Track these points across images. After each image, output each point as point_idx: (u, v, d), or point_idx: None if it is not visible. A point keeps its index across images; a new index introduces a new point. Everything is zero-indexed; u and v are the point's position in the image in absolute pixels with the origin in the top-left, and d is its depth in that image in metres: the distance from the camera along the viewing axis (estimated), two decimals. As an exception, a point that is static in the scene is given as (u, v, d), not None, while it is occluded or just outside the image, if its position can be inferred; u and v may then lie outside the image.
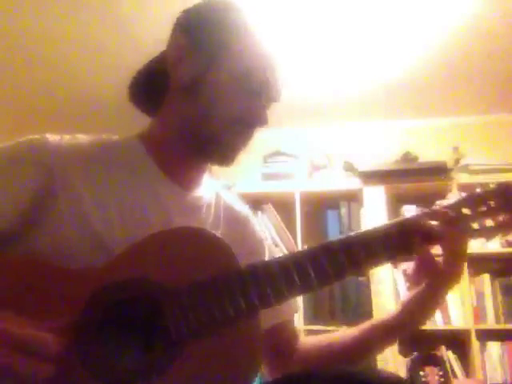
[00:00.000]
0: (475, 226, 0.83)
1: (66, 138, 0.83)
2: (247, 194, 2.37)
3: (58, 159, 0.79)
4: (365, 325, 0.91)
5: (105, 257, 0.74)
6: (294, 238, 2.79)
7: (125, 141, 0.89)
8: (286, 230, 2.81)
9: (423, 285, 0.83)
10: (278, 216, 2.82)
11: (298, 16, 2.25)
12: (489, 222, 0.83)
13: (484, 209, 0.83)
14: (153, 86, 0.90)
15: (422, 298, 0.84)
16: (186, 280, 0.73)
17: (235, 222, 0.95)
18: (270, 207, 2.82)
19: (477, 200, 0.84)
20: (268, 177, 2.91)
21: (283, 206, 2.89)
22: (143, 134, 0.90)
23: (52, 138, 0.82)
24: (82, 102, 3.03)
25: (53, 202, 0.76)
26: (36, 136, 0.82)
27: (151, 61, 0.92)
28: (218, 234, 0.82)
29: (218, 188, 0.97)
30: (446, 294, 0.83)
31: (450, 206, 0.85)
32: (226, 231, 0.90)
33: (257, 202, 2.72)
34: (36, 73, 2.76)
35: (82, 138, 0.86)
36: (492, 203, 0.83)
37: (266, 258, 0.96)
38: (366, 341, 0.90)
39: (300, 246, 2.76)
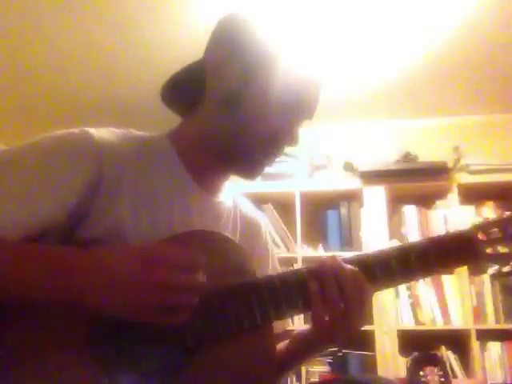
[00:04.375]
0: (489, 251, 0.82)
1: (102, 130, 0.81)
2: (247, 193, 2.35)
3: (105, 153, 0.77)
4: (284, 343, 0.92)
5: None
6: (294, 238, 2.79)
7: (155, 139, 0.88)
8: (286, 229, 2.82)
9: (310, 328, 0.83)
10: (277, 216, 2.83)
11: (297, 17, 2.25)
12: (502, 249, 0.82)
13: (498, 235, 0.82)
14: (189, 89, 0.89)
15: (308, 339, 0.84)
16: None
17: (249, 229, 0.96)
18: (270, 207, 2.83)
19: (491, 226, 0.83)
20: (268, 177, 2.90)
21: (283, 206, 2.89)
22: (173, 134, 0.90)
23: (93, 130, 0.80)
24: (80, 103, 3.03)
25: (96, 196, 0.75)
26: (75, 129, 0.79)
27: (191, 64, 0.91)
28: (236, 240, 0.84)
29: (234, 193, 0.97)
30: (326, 347, 0.84)
31: (468, 231, 0.84)
32: (241, 238, 0.92)
33: (257, 202, 2.71)
34: (36, 74, 2.76)
35: (115, 131, 0.84)
36: (507, 230, 0.82)
37: (270, 268, 0.98)
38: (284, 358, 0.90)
39: (300, 246, 2.76)
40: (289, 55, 0.82)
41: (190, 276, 0.65)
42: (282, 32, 0.85)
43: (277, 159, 0.88)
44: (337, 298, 0.74)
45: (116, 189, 0.76)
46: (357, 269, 0.77)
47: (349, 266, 0.76)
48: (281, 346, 0.90)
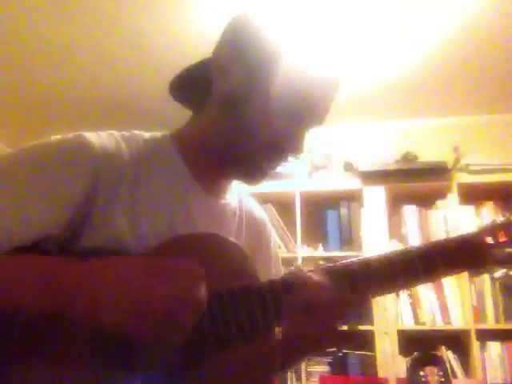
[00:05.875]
0: (496, 254, 0.82)
1: (103, 135, 0.79)
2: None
3: (101, 160, 0.75)
4: None
5: None
6: (294, 238, 2.79)
7: (157, 139, 0.86)
8: (286, 229, 2.82)
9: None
10: (278, 216, 2.83)
11: (296, 16, 2.25)
12: (509, 251, 0.82)
13: (505, 238, 0.82)
14: (195, 87, 0.87)
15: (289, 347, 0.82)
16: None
17: (254, 229, 0.95)
18: (270, 207, 2.83)
19: (498, 228, 0.83)
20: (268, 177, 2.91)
21: (283, 206, 2.89)
22: (176, 134, 0.87)
23: (90, 136, 0.77)
24: (82, 103, 3.04)
25: (93, 205, 0.73)
26: (70, 135, 0.77)
27: (200, 61, 0.88)
28: (242, 242, 0.82)
29: (239, 192, 0.96)
30: (308, 354, 0.82)
31: (474, 234, 0.83)
32: (246, 238, 0.91)
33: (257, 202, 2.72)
34: (39, 74, 2.76)
35: (114, 134, 0.81)
36: None
37: (273, 268, 0.98)
38: None
39: (300, 246, 2.76)
40: (294, 58, 0.80)
41: (194, 291, 0.65)
42: (287, 34, 0.83)
43: (279, 166, 0.86)
44: (308, 309, 0.75)
45: (113, 196, 0.74)
46: (327, 281, 0.77)
47: (319, 279, 0.77)
48: None
